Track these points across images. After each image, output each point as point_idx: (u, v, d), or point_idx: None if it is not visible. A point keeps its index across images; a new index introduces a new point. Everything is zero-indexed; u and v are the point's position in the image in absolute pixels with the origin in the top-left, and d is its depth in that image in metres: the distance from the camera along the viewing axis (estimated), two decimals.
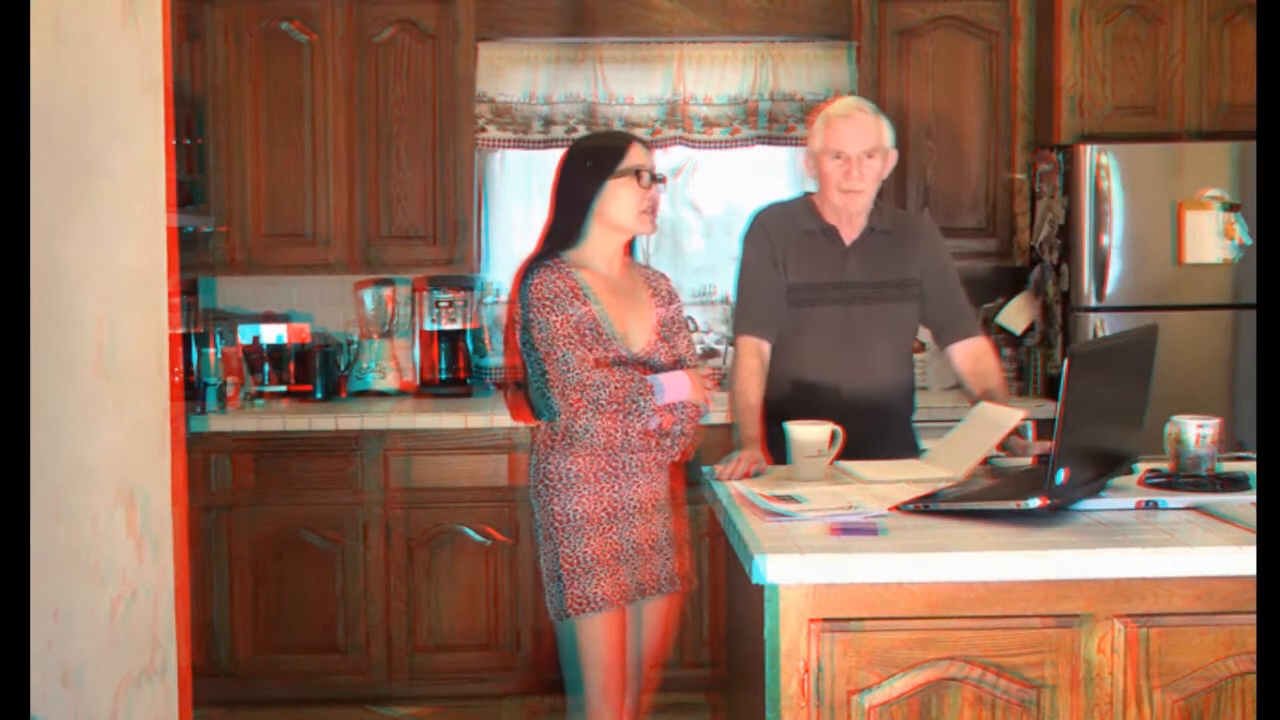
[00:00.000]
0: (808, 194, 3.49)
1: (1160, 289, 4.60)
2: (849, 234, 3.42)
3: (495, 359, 5.14)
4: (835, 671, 2.40)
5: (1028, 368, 4.96)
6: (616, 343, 3.10)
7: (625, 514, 3.11)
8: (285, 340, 4.96)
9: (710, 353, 5.05)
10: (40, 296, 2.02)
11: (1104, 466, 2.75)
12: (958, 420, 3.30)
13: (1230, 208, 4.55)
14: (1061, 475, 2.53)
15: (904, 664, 2.41)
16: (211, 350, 4.74)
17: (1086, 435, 2.63)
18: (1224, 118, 4.72)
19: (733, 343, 3.48)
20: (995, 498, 2.68)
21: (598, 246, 3.16)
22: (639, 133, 4.89)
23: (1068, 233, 4.67)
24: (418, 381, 5.10)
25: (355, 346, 5.04)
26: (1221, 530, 2.53)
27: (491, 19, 4.97)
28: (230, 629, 4.59)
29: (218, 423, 4.55)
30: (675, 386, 3.10)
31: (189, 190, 4.62)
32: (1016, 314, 4.94)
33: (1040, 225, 4.83)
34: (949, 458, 3.10)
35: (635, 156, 3.13)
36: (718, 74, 5.03)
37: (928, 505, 2.71)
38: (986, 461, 3.11)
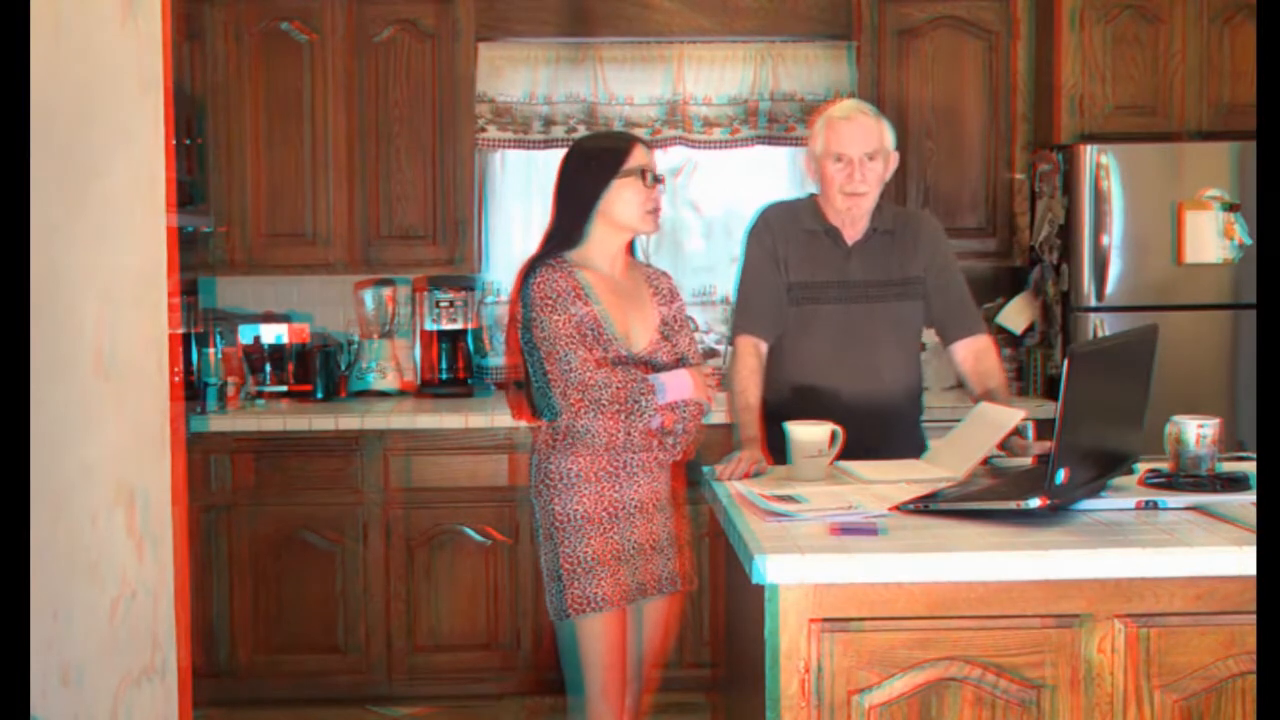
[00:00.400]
0: (813, 195, 3.49)
1: (1160, 289, 4.60)
2: (851, 235, 3.42)
3: (496, 359, 5.14)
4: (835, 671, 2.40)
5: (1028, 368, 4.96)
6: (618, 343, 3.10)
7: (626, 514, 3.11)
8: (285, 340, 4.96)
9: (710, 353, 5.05)
10: (40, 296, 2.02)
11: (1104, 466, 2.75)
12: (958, 420, 3.30)
13: (1230, 208, 4.55)
14: (1061, 475, 2.53)
15: (904, 664, 2.41)
16: (211, 350, 4.74)
17: (1086, 435, 2.63)
18: (1224, 118, 4.72)
19: (731, 340, 3.47)
20: (995, 498, 2.68)
21: (600, 246, 3.16)
22: (639, 133, 4.89)
23: (1068, 233, 4.67)
24: (418, 381, 5.10)
25: (355, 346, 5.04)
26: (1221, 530, 2.53)
27: (491, 19, 4.97)
28: (230, 629, 4.59)
29: (218, 423, 4.55)
30: (677, 386, 3.10)
31: (189, 190, 4.62)
32: (1016, 314, 4.94)
33: (1040, 225, 4.83)
34: (949, 458, 3.10)
35: (639, 156, 3.14)
36: (718, 74, 5.03)
37: (928, 505, 2.71)
38: (986, 461, 3.10)
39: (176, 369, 2.59)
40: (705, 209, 5.26)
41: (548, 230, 3.20)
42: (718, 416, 3.63)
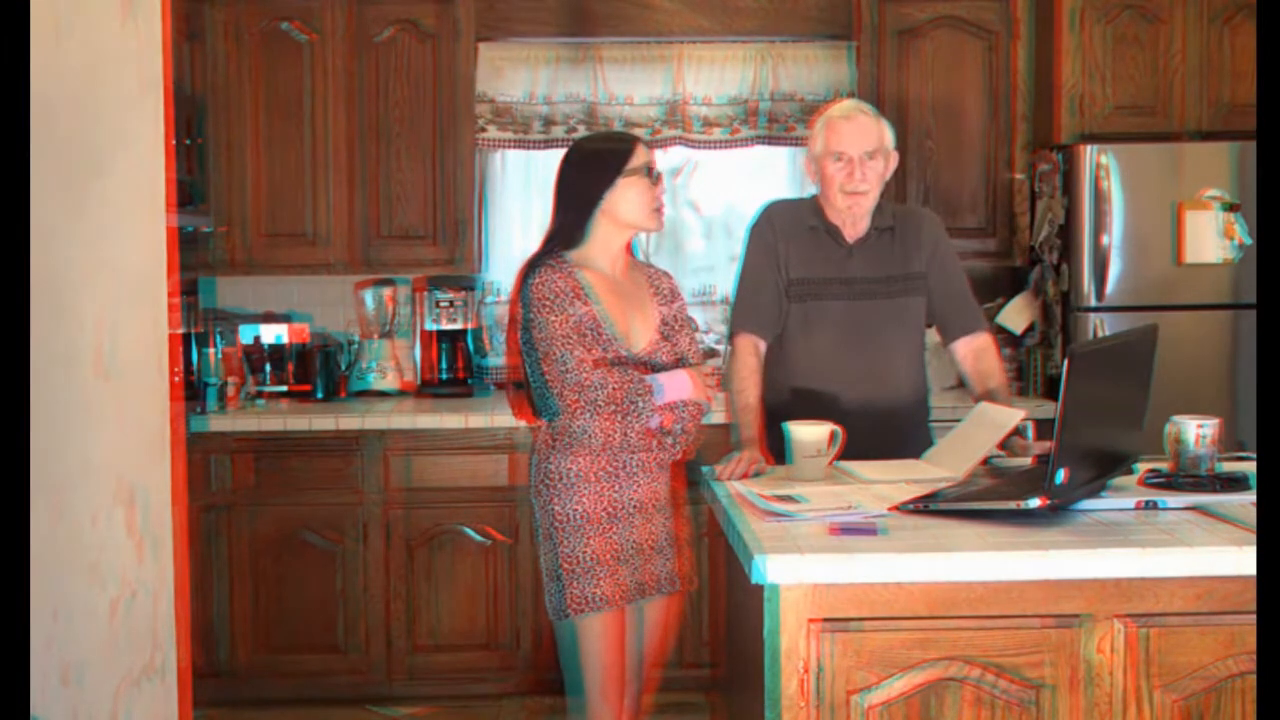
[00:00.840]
0: (815, 195, 3.49)
1: (1160, 289, 4.60)
2: (852, 234, 3.41)
3: (496, 359, 5.14)
4: (835, 671, 2.40)
5: (1028, 368, 4.96)
6: (617, 343, 3.10)
7: (625, 514, 3.11)
8: (285, 340, 4.96)
9: (710, 352, 5.05)
10: (40, 296, 2.02)
11: (1104, 466, 2.75)
12: (958, 420, 3.30)
13: (1230, 208, 4.55)
14: (1061, 475, 2.53)
15: (904, 664, 2.41)
16: (211, 350, 4.74)
17: (1086, 435, 2.63)
18: (1224, 118, 4.72)
19: (729, 339, 3.47)
20: (995, 498, 2.68)
21: (602, 246, 3.16)
22: (639, 133, 4.90)
23: (1068, 233, 4.67)
24: (418, 381, 5.10)
25: (355, 346, 5.04)
26: (1221, 530, 2.53)
27: (491, 19, 4.97)
28: (230, 629, 4.59)
29: (218, 423, 4.55)
30: (675, 386, 3.10)
31: (189, 190, 4.62)
32: (1016, 314, 4.94)
33: (1040, 225, 4.83)
34: (949, 458, 3.10)
35: (642, 155, 3.15)
36: (718, 74, 5.03)
37: (928, 505, 2.71)
38: (986, 461, 3.10)
39: (176, 369, 2.59)
40: (705, 209, 5.26)
41: (549, 230, 3.20)
42: (717, 416, 3.63)
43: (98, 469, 2.28)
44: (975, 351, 3.45)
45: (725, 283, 5.20)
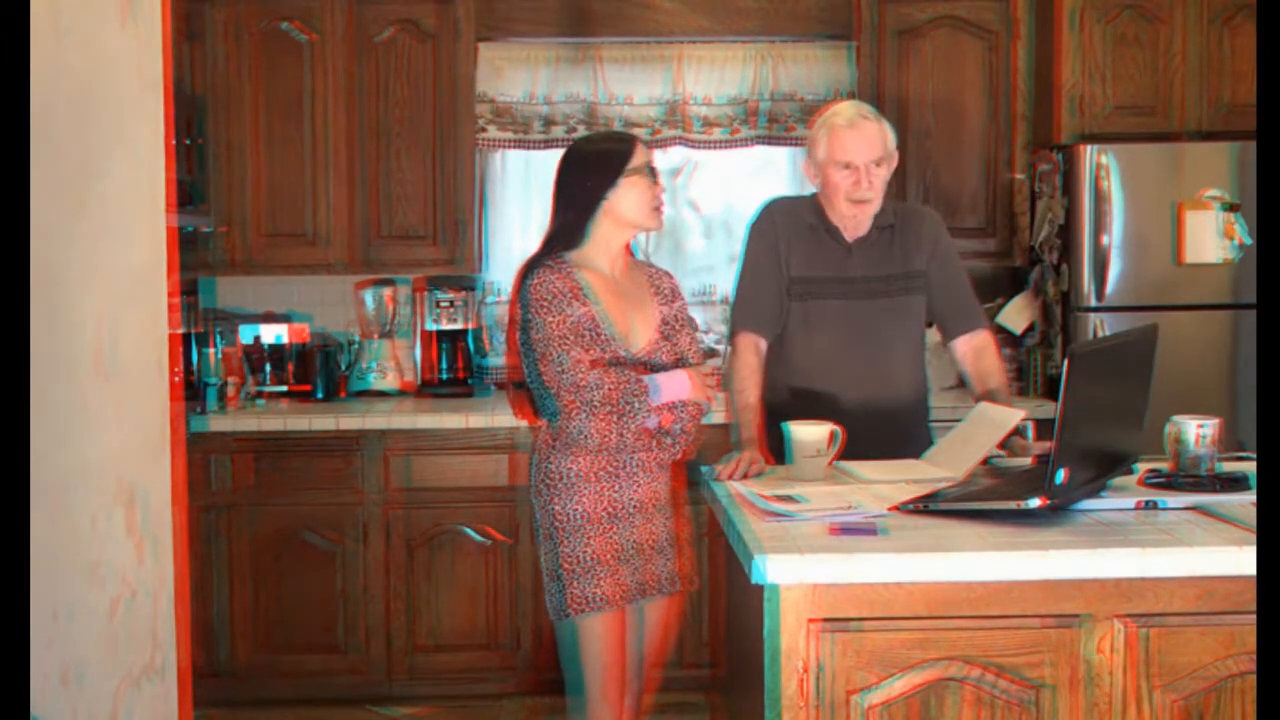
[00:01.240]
0: (815, 193, 3.48)
1: (1160, 289, 4.60)
2: (853, 234, 3.41)
3: (496, 359, 5.14)
4: (835, 671, 2.40)
5: (1028, 368, 4.96)
6: (616, 343, 3.10)
7: (626, 514, 3.11)
8: (285, 340, 4.96)
9: (710, 352, 5.05)
10: (40, 296, 2.02)
11: (1104, 466, 2.75)
12: (958, 420, 3.30)
13: (1230, 208, 4.55)
14: (1061, 475, 2.53)
15: (903, 664, 2.41)
16: (211, 350, 4.74)
17: (1086, 435, 2.63)
18: (1224, 118, 4.72)
19: (730, 337, 3.46)
20: (995, 498, 2.68)
21: (603, 246, 3.16)
22: (639, 133, 4.90)
23: (1068, 233, 4.67)
24: (418, 381, 5.10)
25: (355, 346, 5.04)
26: (1221, 530, 2.53)
27: (491, 19, 4.97)
28: (230, 629, 4.59)
29: (218, 423, 4.55)
30: (673, 386, 3.10)
31: (189, 190, 4.62)
32: (1016, 314, 4.94)
33: (1040, 225, 4.83)
34: (949, 458, 3.10)
35: (642, 154, 3.16)
36: (718, 74, 5.03)
37: (928, 505, 2.71)
38: (986, 461, 3.10)
39: (176, 369, 2.59)
40: (705, 209, 5.26)
41: (548, 231, 3.20)
42: (718, 416, 3.63)
43: (97, 469, 2.28)
44: (975, 350, 3.45)
45: (725, 283, 5.20)
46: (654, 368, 3.12)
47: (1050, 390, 4.77)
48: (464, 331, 5.02)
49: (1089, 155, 4.57)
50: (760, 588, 2.41)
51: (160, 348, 2.52)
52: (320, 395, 4.91)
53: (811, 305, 3.39)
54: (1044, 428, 3.55)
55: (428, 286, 5.02)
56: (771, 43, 5.03)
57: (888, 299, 3.40)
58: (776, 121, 5.04)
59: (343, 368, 5.02)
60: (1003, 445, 3.16)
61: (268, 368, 4.94)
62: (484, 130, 4.98)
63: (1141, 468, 2.88)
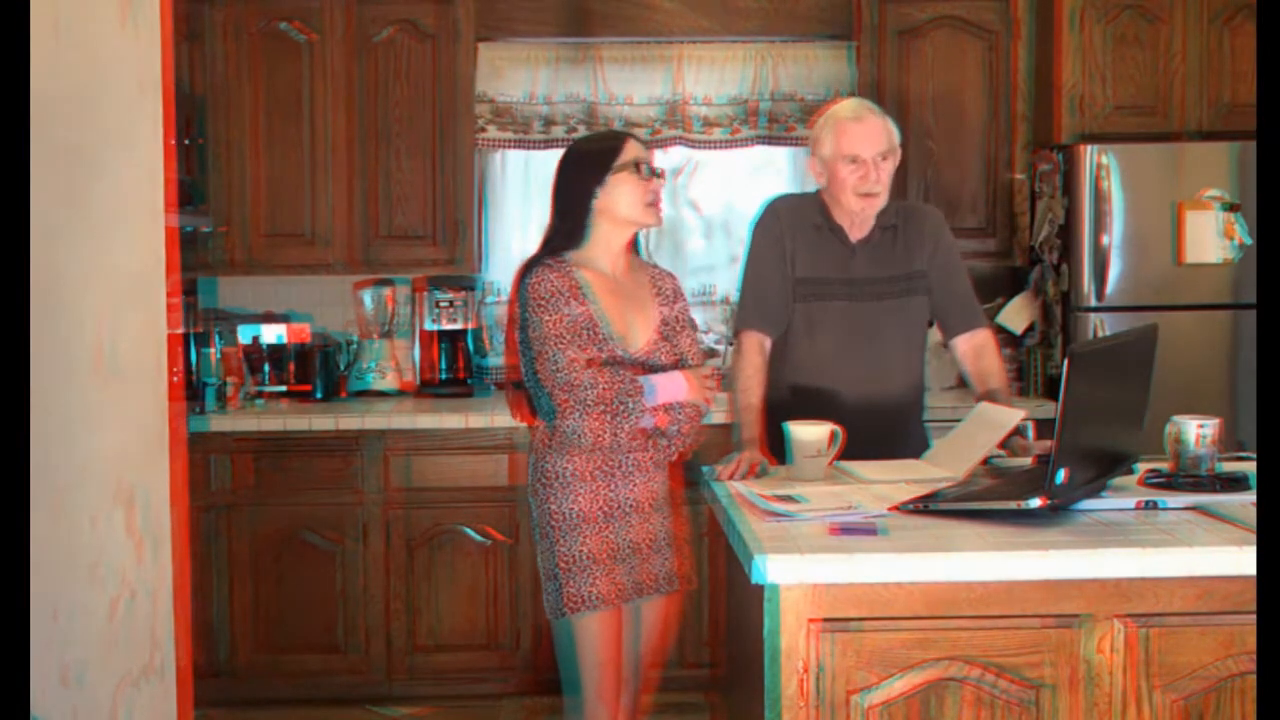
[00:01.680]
0: (819, 191, 3.47)
1: (1160, 289, 4.60)
2: (856, 234, 3.41)
3: (495, 359, 5.14)
4: (835, 671, 2.40)
5: (1028, 368, 4.96)
6: (613, 343, 3.09)
7: (622, 513, 3.11)
8: (285, 340, 4.96)
9: (710, 352, 5.05)
10: (40, 296, 2.02)
11: (1104, 466, 2.75)
12: (958, 420, 3.29)
13: (1230, 208, 4.55)
14: (1061, 475, 2.53)
15: (904, 664, 2.41)
16: (211, 350, 4.74)
17: (1086, 435, 2.63)
18: (1224, 118, 4.72)
19: (735, 336, 3.46)
20: (995, 498, 2.68)
21: (602, 245, 3.16)
22: (639, 133, 4.89)
23: (1068, 233, 4.67)
24: (418, 381, 5.10)
25: (355, 346, 5.04)
26: (1221, 530, 2.53)
27: (491, 19, 4.97)
28: (230, 629, 4.59)
29: (218, 423, 4.55)
30: (669, 387, 3.09)
31: (189, 190, 4.62)
32: (1016, 314, 4.94)
33: (1040, 225, 4.83)
34: (949, 458, 3.10)
35: (632, 150, 3.14)
36: (718, 74, 5.03)
37: (928, 505, 2.71)
38: (986, 461, 3.10)
39: (176, 369, 2.59)
40: (705, 209, 5.26)
41: (546, 233, 3.20)
42: (718, 416, 3.63)
43: (97, 469, 2.28)
44: (975, 349, 3.45)
45: (725, 283, 5.20)
46: (652, 369, 3.12)
47: (1050, 390, 4.77)
48: (464, 331, 5.02)
49: (1089, 155, 4.57)
50: (760, 588, 2.41)
51: (160, 348, 2.52)
52: (320, 395, 4.91)
53: (815, 307, 3.38)
54: (1044, 428, 3.55)
55: (427, 286, 5.02)
56: (771, 43, 5.03)
57: (890, 300, 3.40)
58: (777, 121, 5.04)
59: (342, 368, 5.02)
60: (1003, 445, 3.16)
61: (267, 368, 4.94)
62: (484, 130, 4.98)
63: (1141, 468, 2.88)
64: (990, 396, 3.36)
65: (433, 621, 4.62)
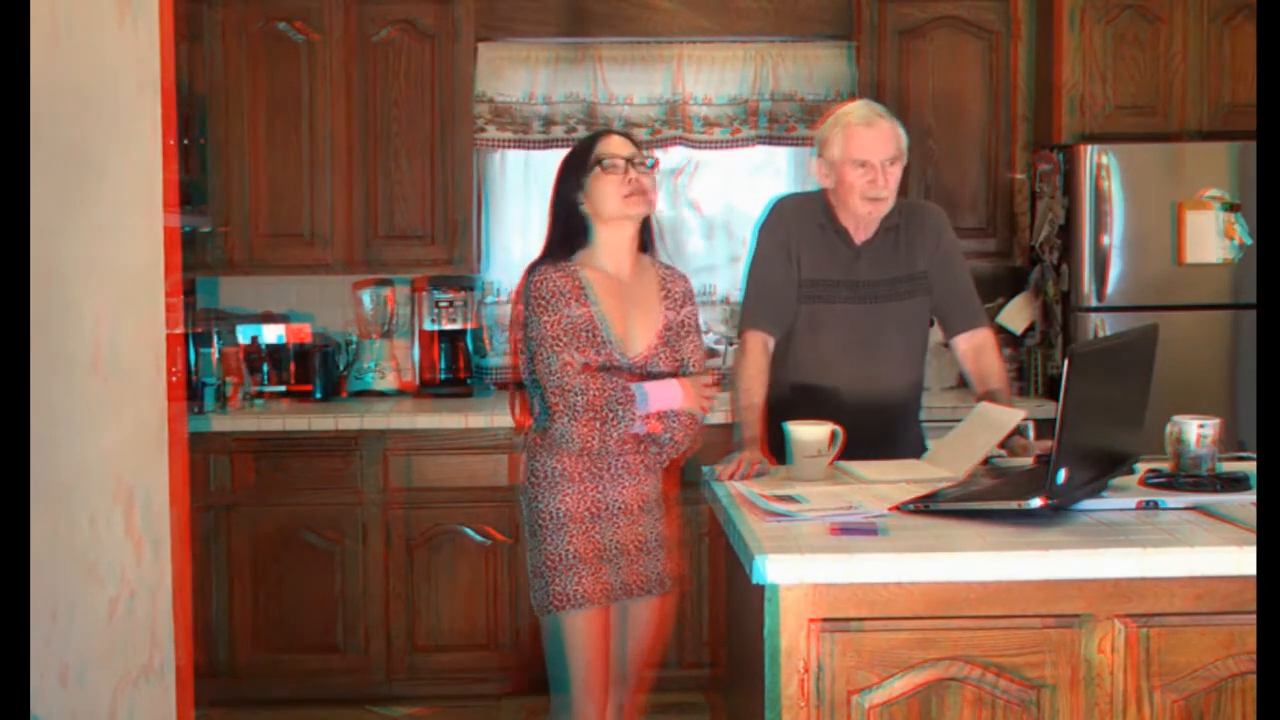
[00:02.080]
0: (823, 191, 3.46)
1: (1160, 289, 4.60)
2: (860, 235, 3.41)
3: (495, 359, 5.14)
4: (835, 671, 2.40)
5: (1028, 368, 4.96)
6: (611, 346, 3.09)
7: (610, 514, 3.11)
8: (285, 340, 4.96)
9: (710, 353, 5.05)
10: (40, 296, 2.02)
11: (1104, 466, 2.75)
12: (958, 420, 3.29)
13: (1230, 208, 4.55)
14: (1062, 475, 2.53)
15: (904, 664, 2.41)
16: (212, 350, 4.74)
17: (1087, 435, 2.62)
18: (1224, 118, 4.72)
19: (739, 335, 3.45)
20: (995, 498, 2.68)
21: (604, 245, 3.15)
22: (639, 133, 4.90)
23: (1068, 233, 4.67)
24: (417, 381, 5.10)
25: (355, 346, 5.04)
26: (1221, 530, 2.53)
27: (491, 19, 4.97)
28: (230, 629, 4.59)
29: (218, 423, 4.55)
30: (663, 395, 3.07)
31: (189, 190, 4.62)
32: (1016, 314, 4.94)
33: (1040, 225, 4.83)
34: (949, 458, 3.10)
35: (606, 146, 3.11)
36: (718, 74, 5.03)
37: (928, 505, 2.71)
38: (987, 461, 3.10)
39: (176, 369, 2.59)
40: (705, 209, 5.26)
41: (545, 241, 3.20)
42: (719, 416, 3.63)
43: (96, 469, 2.28)
44: (976, 348, 3.45)
45: (725, 283, 5.20)
46: (650, 374, 3.11)
47: (1050, 390, 4.77)
48: (463, 331, 5.02)
49: (1089, 155, 4.57)
50: (760, 588, 2.41)
51: (159, 348, 2.52)
52: (319, 395, 4.91)
53: (819, 308, 3.38)
54: (1044, 428, 3.55)
55: (427, 286, 5.02)
56: (771, 43, 5.03)
57: (893, 302, 3.39)
58: (777, 121, 5.04)
59: (342, 368, 5.02)
60: (1003, 445, 3.16)
61: (267, 368, 4.94)
62: (483, 130, 4.98)
63: (1142, 468, 2.88)
64: (990, 396, 3.36)
65: (432, 621, 4.62)
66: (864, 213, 3.34)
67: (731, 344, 3.71)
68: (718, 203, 5.25)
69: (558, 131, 5.00)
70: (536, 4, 5.00)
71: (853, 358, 3.38)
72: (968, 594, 2.41)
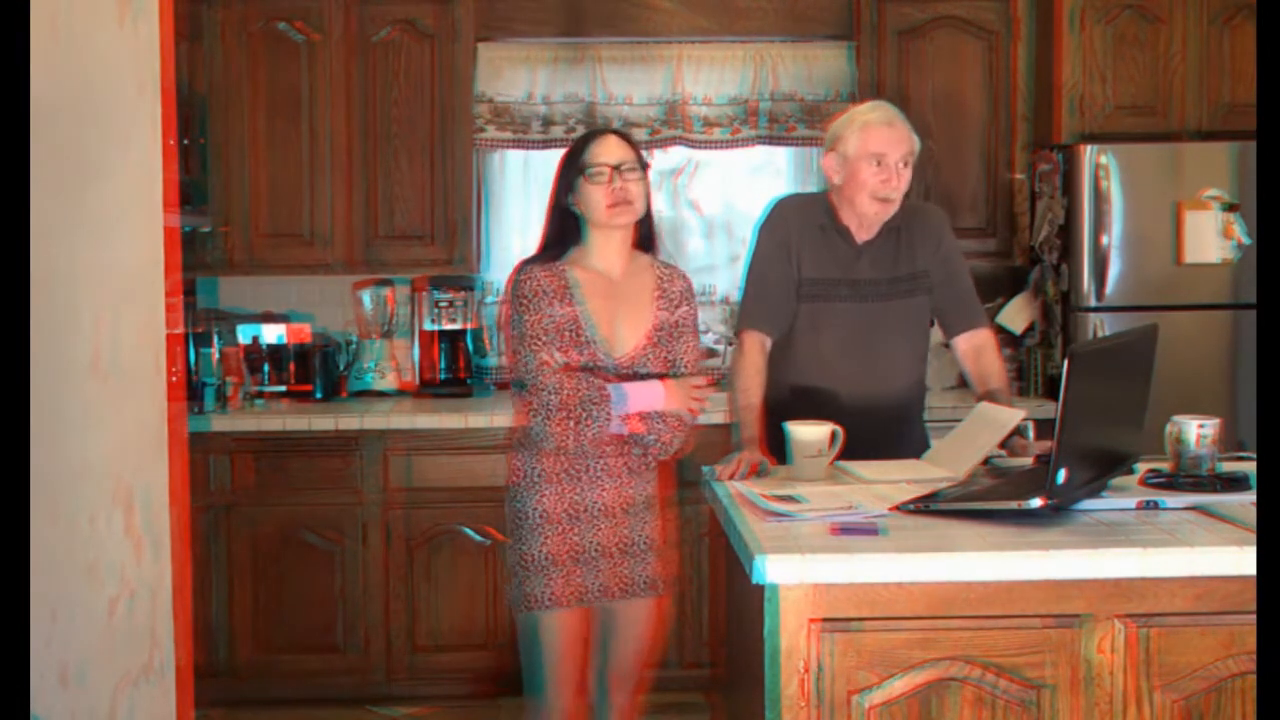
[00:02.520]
0: (825, 192, 3.46)
1: (1160, 289, 4.60)
2: (863, 235, 3.40)
3: (495, 359, 5.14)
4: (835, 671, 2.40)
5: (1028, 368, 4.96)
6: (595, 346, 3.08)
7: (588, 516, 3.10)
8: (285, 340, 4.97)
9: (709, 353, 5.05)
10: (40, 296, 2.02)
11: (1104, 466, 2.75)
12: (958, 420, 3.29)
13: (1230, 208, 4.55)
14: (1062, 475, 2.53)
15: (904, 664, 2.41)
16: (212, 350, 4.74)
17: (1086, 435, 2.62)
18: (1224, 118, 4.72)
19: (736, 335, 3.44)
20: (995, 498, 2.68)
21: (596, 245, 3.15)
22: (638, 133, 4.90)
23: (1068, 233, 4.67)
24: (417, 381, 5.10)
25: (355, 346, 5.04)
26: (1221, 530, 2.53)
27: (491, 19, 4.97)
28: (230, 629, 4.59)
29: (218, 423, 4.55)
30: (643, 396, 3.05)
31: (189, 190, 4.62)
32: (1016, 314, 4.94)
33: (1040, 225, 4.83)
34: (949, 458, 3.10)
35: (595, 152, 3.09)
36: (718, 74, 5.03)
37: (928, 505, 2.71)
38: (987, 461, 3.10)
39: (176, 369, 2.59)
40: (705, 209, 5.25)
41: (540, 237, 3.21)
42: (718, 416, 3.62)
43: (96, 469, 2.28)
44: (976, 348, 3.45)
45: (725, 283, 5.20)
46: (637, 375, 3.09)
47: (1050, 390, 4.77)
48: (463, 331, 5.02)
49: (1089, 155, 4.57)
50: (760, 588, 2.41)
51: (159, 348, 2.52)
52: (320, 395, 4.91)
53: (820, 307, 3.38)
54: (1044, 428, 3.54)
55: (427, 286, 5.02)
56: (771, 43, 5.03)
57: (894, 301, 3.39)
58: (777, 121, 5.03)
59: (342, 368, 5.02)
60: (1003, 445, 3.16)
61: (267, 368, 4.94)
62: (483, 130, 4.98)
63: (1142, 468, 2.88)
64: (990, 396, 3.36)
65: (432, 621, 4.62)
66: (871, 212, 3.34)
67: (730, 344, 3.71)
68: (718, 203, 5.25)
69: (557, 131, 5.00)
70: (536, 4, 5.00)
71: (853, 357, 3.38)
72: (968, 594, 2.41)
